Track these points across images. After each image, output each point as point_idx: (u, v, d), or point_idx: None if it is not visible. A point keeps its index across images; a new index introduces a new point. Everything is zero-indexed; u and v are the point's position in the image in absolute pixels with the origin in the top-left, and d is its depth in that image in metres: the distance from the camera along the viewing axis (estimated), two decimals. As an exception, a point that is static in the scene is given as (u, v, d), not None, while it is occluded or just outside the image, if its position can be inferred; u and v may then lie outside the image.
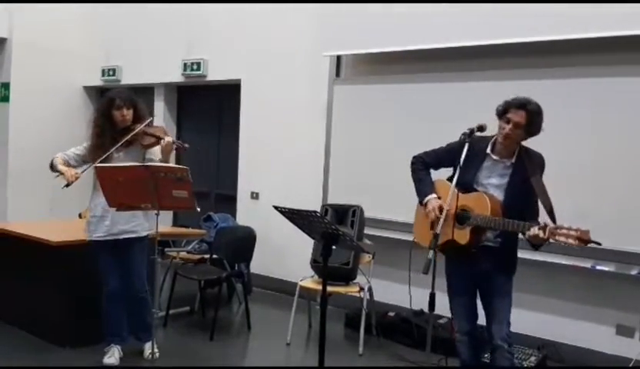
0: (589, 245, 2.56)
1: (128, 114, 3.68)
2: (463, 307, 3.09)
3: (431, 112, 4.68)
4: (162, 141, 3.63)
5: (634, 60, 3.90)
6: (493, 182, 2.93)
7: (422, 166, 3.18)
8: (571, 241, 2.54)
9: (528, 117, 2.82)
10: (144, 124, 3.68)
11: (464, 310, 3.09)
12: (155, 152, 3.74)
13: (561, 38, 4.03)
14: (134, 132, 3.63)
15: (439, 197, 3.00)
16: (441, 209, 2.89)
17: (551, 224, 2.65)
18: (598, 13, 3.87)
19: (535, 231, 2.63)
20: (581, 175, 3.99)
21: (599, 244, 2.56)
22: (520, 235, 2.86)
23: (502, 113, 2.90)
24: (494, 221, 2.77)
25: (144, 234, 3.78)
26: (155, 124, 4.07)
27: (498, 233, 2.91)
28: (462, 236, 2.86)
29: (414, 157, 3.23)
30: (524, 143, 2.95)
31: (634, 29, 3.73)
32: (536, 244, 2.75)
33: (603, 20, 3.84)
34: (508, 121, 2.85)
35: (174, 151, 3.71)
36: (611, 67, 3.96)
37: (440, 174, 3.18)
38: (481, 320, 3.09)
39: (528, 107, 2.83)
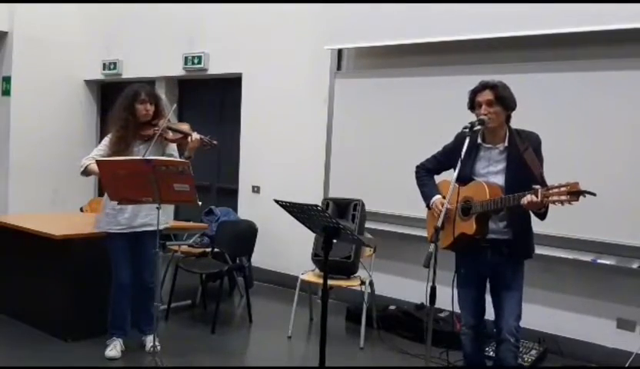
0: (583, 196, 2.50)
1: (151, 109, 3.74)
2: (471, 302, 3.08)
3: (433, 106, 4.67)
4: (190, 137, 3.67)
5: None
6: (492, 170, 2.95)
7: (425, 172, 3.24)
8: (563, 197, 2.53)
9: (494, 92, 2.87)
10: (166, 119, 3.73)
11: (471, 305, 3.08)
12: (174, 147, 3.81)
13: (562, 31, 4.01)
14: (160, 128, 3.66)
15: (444, 197, 3.01)
16: (443, 204, 2.92)
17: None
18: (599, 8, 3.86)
19: (528, 197, 2.64)
20: (581, 169, 3.97)
21: (594, 194, 2.51)
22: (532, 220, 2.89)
23: (472, 103, 2.95)
24: (493, 202, 2.78)
25: (161, 227, 3.81)
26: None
27: (506, 222, 2.90)
28: (469, 227, 2.87)
29: (416, 166, 3.28)
30: (513, 126, 2.96)
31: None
32: (539, 213, 2.76)
33: (603, 14, 3.83)
34: (480, 105, 2.90)
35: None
36: (616, 59, 3.95)
37: (442, 177, 3.20)
38: (488, 314, 3.08)
39: (489, 85, 2.89)
